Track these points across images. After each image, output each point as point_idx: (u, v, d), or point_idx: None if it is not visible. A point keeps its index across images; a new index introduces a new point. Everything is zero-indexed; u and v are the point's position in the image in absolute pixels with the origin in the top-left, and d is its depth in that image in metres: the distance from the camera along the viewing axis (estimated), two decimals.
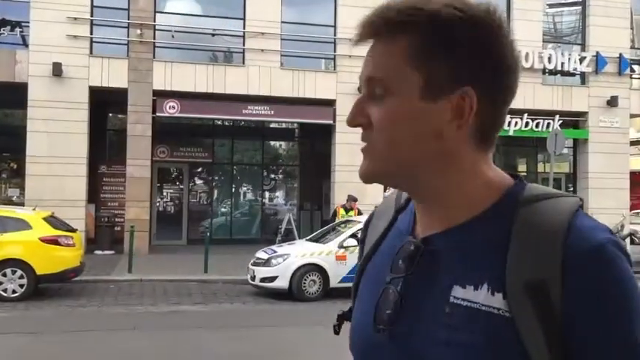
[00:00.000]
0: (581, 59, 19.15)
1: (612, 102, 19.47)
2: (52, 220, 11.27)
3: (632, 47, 20.70)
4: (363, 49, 0.93)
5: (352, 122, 0.92)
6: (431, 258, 0.92)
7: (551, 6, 20.49)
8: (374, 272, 1.02)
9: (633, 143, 23.34)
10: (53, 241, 10.68)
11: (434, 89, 0.88)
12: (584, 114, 19.57)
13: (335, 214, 14.85)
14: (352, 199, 14.73)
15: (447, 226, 0.92)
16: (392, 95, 0.88)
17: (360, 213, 14.34)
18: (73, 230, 11.57)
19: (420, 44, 0.87)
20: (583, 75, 19.60)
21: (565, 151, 19.41)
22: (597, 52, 19.24)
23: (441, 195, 0.92)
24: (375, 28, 0.90)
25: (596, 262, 0.81)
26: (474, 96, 0.88)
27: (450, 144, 0.89)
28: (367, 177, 0.93)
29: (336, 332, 1.10)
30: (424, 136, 0.88)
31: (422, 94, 0.88)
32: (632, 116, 20.86)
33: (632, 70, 20.34)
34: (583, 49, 19.67)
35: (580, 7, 20.12)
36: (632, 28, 20.67)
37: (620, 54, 19.55)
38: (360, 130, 0.92)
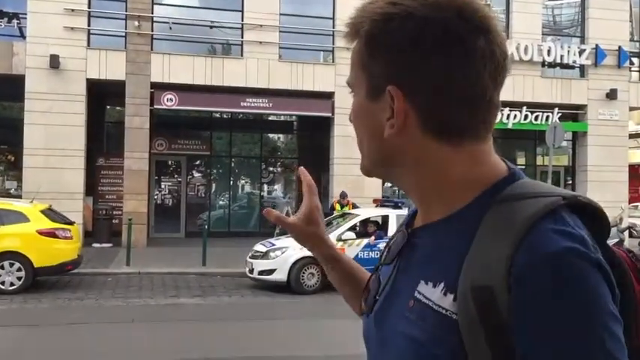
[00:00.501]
0: (581, 52, 19.11)
1: (611, 95, 19.44)
2: (50, 213, 11.24)
3: (632, 40, 20.65)
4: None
5: (350, 118, 0.98)
6: (410, 250, 0.94)
7: None
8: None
9: (632, 136, 23.34)
10: (51, 234, 10.66)
11: (373, 89, 0.90)
12: (583, 107, 19.54)
13: (332, 208, 14.93)
14: (343, 195, 15.05)
15: (426, 221, 0.93)
16: (356, 96, 0.94)
17: (355, 206, 14.37)
18: (71, 223, 11.55)
19: (363, 45, 0.90)
20: (582, 68, 19.56)
21: (564, 144, 19.41)
22: (597, 45, 19.19)
23: (416, 191, 0.94)
24: (346, 36, 0.94)
25: (543, 274, 0.74)
26: (398, 94, 0.86)
27: (396, 142, 0.88)
28: (361, 170, 1.00)
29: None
30: (374, 135, 0.91)
31: (367, 93, 0.91)
32: (632, 109, 20.84)
33: (632, 63, 20.30)
34: (582, 42, 19.63)
35: (579, 0, 20.06)
36: (631, 21, 20.62)
37: (620, 46, 19.50)
38: None
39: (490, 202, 0.84)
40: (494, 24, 0.87)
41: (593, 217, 0.84)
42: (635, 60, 20.54)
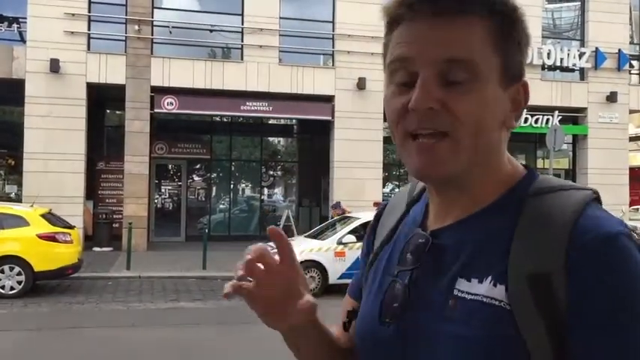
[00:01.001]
0: (581, 55, 19.12)
1: (611, 98, 19.44)
2: (50, 217, 11.23)
3: (631, 43, 20.66)
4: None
5: (424, 105, 0.82)
6: (437, 251, 0.90)
7: (550, 1, 20.45)
8: (384, 265, 1.00)
9: (632, 139, 23.33)
10: (51, 238, 10.64)
11: (509, 77, 0.86)
12: (583, 110, 19.55)
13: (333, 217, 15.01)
14: (335, 205, 15.10)
15: (461, 216, 0.89)
16: (477, 79, 0.82)
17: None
18: (71, 227, 11.53)
19: (498, 26, 0.84)
20: (582, 71, 19.57)
21: (564, 147, 19.39)
22: (596, 48, 19.20)
23: (472, 187, 0.89)
24: (460, 3, 0.83)
25: (603, 253, 0.77)
26: (528, 88, 0.89)
27: (504, 135, 0.88)
28: (437, 176, 0.86)
29: (346, 329, 1.07)
30: (497, 125, 0.86)
31: (499, 79, 0.85)
32: (632, 112, 20.84)
33: (631, 66, 20.31)
34: (582, 45, 19.64)
35: (579, 3, 20.08)
36: (630, 24, 20.63)
37: (620, 49, 19.51)
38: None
39: (522, 195, 0.86)
40: None
41: None
42: (635, 63, 20.54)
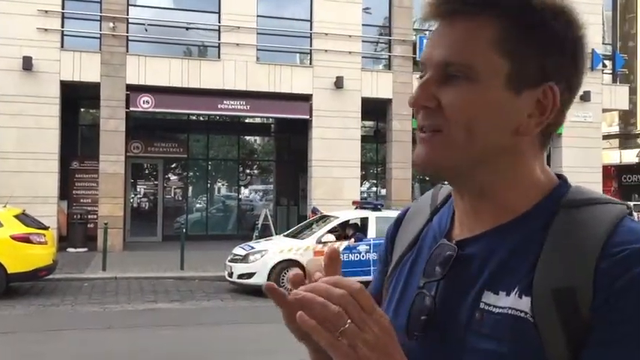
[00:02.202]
0: None
1: (585, 97, 19.71)
2: (24, 218, 11.02)
3: (604, 43, 20.99)
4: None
5: (417, 103, 0.84)
6: (464, 262, 0.87)
7: None
8: (406, 276, 0.97)
9: (605, 137, 23.73)
10: (25, 239, 10.44)
11: (520, 80, 0.82)
12: None
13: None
14: (314, 210, 15.03)
15: (489, 226, 0.87)
16: (474, 81, 0.81)
17: None
18: (45, 228, 11.34)
19: (509, 29, 0.82)
20: None
21: None
22: None
23: (494, 194, 0.86)
24: (452, 4, 0.82)
25: (634, 269, 0.74)
26: (557, 93, 0.83)
27: (523, 141, 0.84)
28: (429, 165, 0.86)
29: None
30: (501, 130, 0.83)
31: (507, 83, 0.82)
32: (605, 111, 21.18)
33: (604, 66, 20.63)
34: None
35: None
36: (603, 24, 20.96)
37: (593, 49, 19.77)
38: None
39: (555, 206, 0.84)
40: None
41: None
42: (607, 63, 20.87)
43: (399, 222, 1.07)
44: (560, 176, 0.91)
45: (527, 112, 0.83)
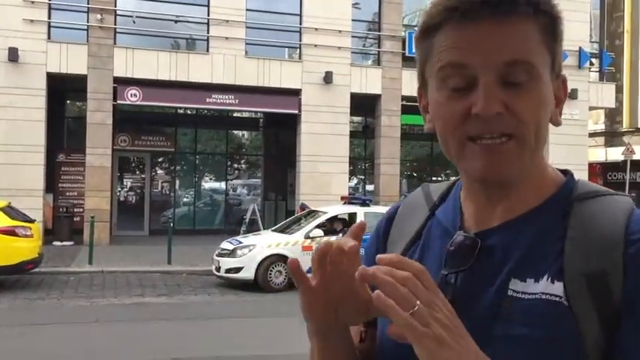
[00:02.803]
0: None
1: (572, 95, 19.84)
2: (9, 211, 10.91)
3: (591, 41, 21.13)
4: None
5: (490, 111, 0.81)
6: (486, 252, 0.89)
7: None
8: None
9: (591, 135, 23.91)
10: (10, 232, 10.35)
11: (555, 74, 0.88)
12: None
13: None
14: (303, 207, 14.99)
15: (507, 218, 0.90)
16: (538, 80, 0.84)
17: None
18: (31, 221, 11.24)
19: (548, 25, 0.86)
20: None
21: None
22: None
23: (520, 185, 0.89)
24: (513, 5, 0.82)
25: None
26: (567, 83, 0.90)
27: (548, 130, 0.89)
28: (507, 176, 0.85)
29: (362, 340, 1.02)
30: (548, 121, 0.88)
31: (550, 78, 0.87)
32: (591, 109, 21.32)
33: (592, 64, 20.77)
34: None
35: None
36: (590, 23, 21.09)
37: (580, 47, 19.93)
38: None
39: (567, 199, 0.89)
40: None
41: None
42: (594, 61, 21.02)
43: (390, 219, 1.07)
44: (566, 171, 0.95)
45: (554, 103, 0.88)
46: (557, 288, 0.82)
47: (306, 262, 0.89)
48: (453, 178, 1.07)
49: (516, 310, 0.83)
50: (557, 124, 0.89)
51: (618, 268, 0.80)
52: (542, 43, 0.84)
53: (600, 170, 26.82)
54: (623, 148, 22.17)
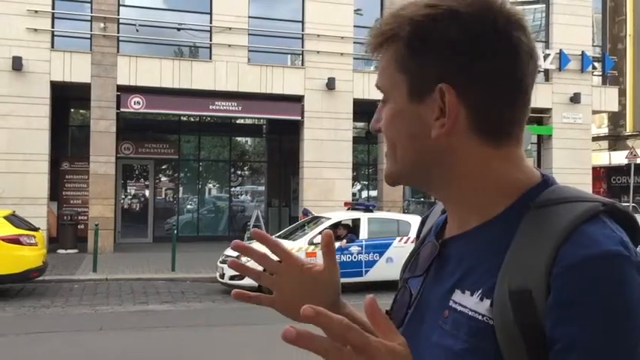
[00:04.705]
0: (545, 56, 19.46)
1: (575, 99, 19.87)
2: (14, 219, 10.94)
3: (594, 45, 21.14)
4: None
5: (372, 128, 0.96)
6: (442, 261, 0.92)
7: (514, 4, 20.74)
8: (402, 272, 1.05)
9: (595, 139, 23.89)
10: (15, 241, 10.37)
11: (417, 90, 0.87)
12: (548, 110, 19.91)
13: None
14: (305, 212, 15.01)
15: (462, 229, 0.91)
16: (389, 100, 0.91)
17: None
18: (36, 229, 11.26)
19: (402, 48, 0.88)
20: (547, 72, 19.92)
21: (529, 147, 19.73)
22: (560, 50, 19.58)
23: (454, 197, 0.91)
24: (375, 43, 0.92)
25: (585, 274, 0.73)
26: (451, 92, 0.84)
27: (442, 142, 0.86)
28: (386, 178, 0.97)
29: None
30: (416, 137, 0.88)
31: (409, 95, 0.88)
32: (594, 112, 21.30)
33: (594, 68, 20.78)
34: (547, 47, 20.00)
35: (543, 5, 20.45)
36: (592, 27, 21.11)
37: (583, 51, 19.94)
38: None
39: (527, 207, 0.84)
40: (526, 22, 0.91)
41: (630, 224, 0.82)
42: (597, 65, 21.02)
43: (423, 221, 1.12)
44: (544, 175, 0.90)
45: (434, 117, 0.86)
46: (483, 306, 0.80)
47: None
48: None
49: (451, 320, 0.84)
50: (436, 137, 0.86)
51: (542, 287, 0.75)
52: (396, 67, 0.89)
53: (604, 174, 26.79)
54: (627, 151, 22.13)
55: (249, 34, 17.49)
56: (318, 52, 17.68)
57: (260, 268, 1.09)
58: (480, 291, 0.82)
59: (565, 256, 0.74)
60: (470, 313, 0.81)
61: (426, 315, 0.90)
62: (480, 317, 0.80)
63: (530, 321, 0.75)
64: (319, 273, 1.04)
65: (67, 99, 18.35)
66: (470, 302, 0.82)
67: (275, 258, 1.06)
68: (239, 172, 22.41)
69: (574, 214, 0.78)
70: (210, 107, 17.49)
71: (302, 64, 18.05)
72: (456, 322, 0.83)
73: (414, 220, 12.16)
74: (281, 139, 21.19)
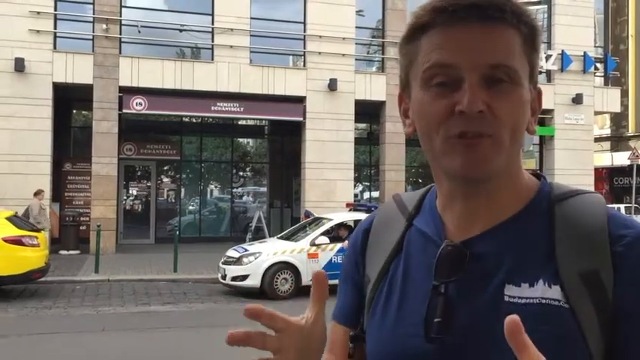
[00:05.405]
0: (547, 57, 19.46)
1: (577, 99, 19.85)
2: (16, 220, 10.95)
3: (596, 46, 21.12)
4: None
5: (475, 108, 0.83)
6: (476, 260, 0.89)
7: None
8: (402, 281, 0.96)
9: (597, 140, 23.86)
10: (17, 242, 10.37)
11: (533, 83, 0.91)
12: (550, 111, 19.89)
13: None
14: (307, 214, 14.95)
15: (489, 225, 0.91)
16: (518, 85, 0.86)
17: None
18: (38, 230, 11.27)
19: (528, 36, 0.88)
20: (549, 73, 19.92)
21: (531, 147, 19.73)
22: (562, 51, 19.56)
23: (499, 192, 0.91)
24: (501, 12, 0.85)
25: None
26: (542, 95, 0.94)
27: (531, 137, 0.92)
28: (485, 171, 0.86)
29: (351, 356, 1.02)
30: (524, 128, 0.90)
31: (529, 85, 0.90)
32: (596, 113, 21.28)
33: (596, 69, 20.76)
34: (549, 48, 19.99)
35: (546, 7, 20.44)
36: (594, 27, 21.10)
37: (585, 52, 19.92)
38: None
39: (547, 200, 0.91)
40: None
41: None
42: (599, 65, 21.01)
43: (367, 232, 1.06)
44: (538, 175, 0.97)
45: (530, 112, 0.90)
46: (555, 292, 0.84)
47: (312, 270, 0.92)
48: (423, 188, 1.07)
49: (515, 313, 0.81)
50: (531, 132, 0.91)
51: (608, 266, 0.84)
52: (523, 53, 0.87)
53: (606, 175, 26.74)
54: (630, 152, 22.09)
55: (250, 35, 17.50)
56: (319, 53, 17.69)
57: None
58: (540, 280, 0.85)
59: (617, 235, 0.85)
60: (543, 301, 0.83)
61: (471, 320, 0.86)
62: (555, 303, 0.83)
63: (600, 297, 0.83)
64: (314, 323, 0.90)
65: (70, 100, 18.38)
66: (536, 292, 0.84)
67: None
68: (241, 173, 22.43)
69: (598, 202, 0.90)
70: (212, 108, 17.51)
71: (304, 65, 18.06)
72: (527, 314, 0.78)
73: None
74: (283, 140, 21.20)
